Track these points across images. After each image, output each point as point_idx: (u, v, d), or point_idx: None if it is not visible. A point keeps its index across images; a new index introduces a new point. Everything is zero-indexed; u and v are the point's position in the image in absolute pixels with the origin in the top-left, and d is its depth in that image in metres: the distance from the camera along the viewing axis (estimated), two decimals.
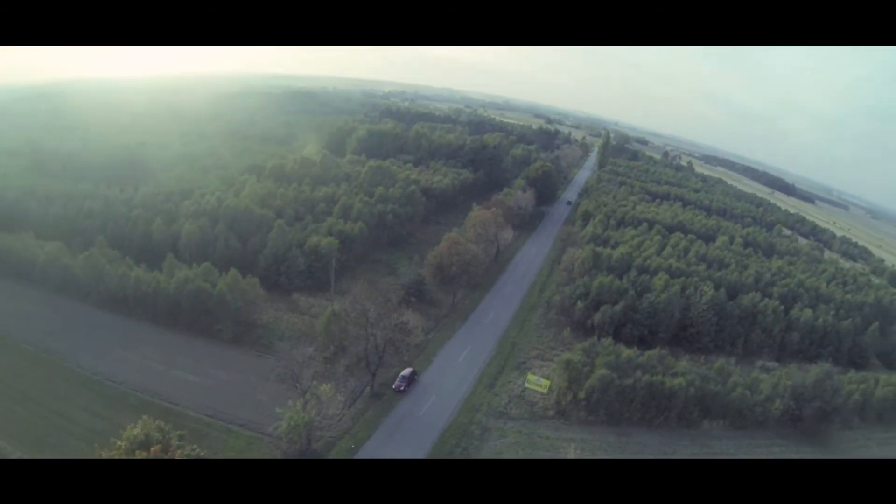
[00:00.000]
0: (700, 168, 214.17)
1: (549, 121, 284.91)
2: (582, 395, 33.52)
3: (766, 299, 50.16)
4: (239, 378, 33.54)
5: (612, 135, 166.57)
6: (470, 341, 41.41)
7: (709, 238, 71.51)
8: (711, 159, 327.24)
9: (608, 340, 39.75)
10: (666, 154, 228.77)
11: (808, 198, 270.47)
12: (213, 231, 45.38)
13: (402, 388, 34.06)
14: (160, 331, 37.61)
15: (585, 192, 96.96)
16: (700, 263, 56.76)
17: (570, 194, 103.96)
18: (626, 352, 37.01)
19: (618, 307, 44.16)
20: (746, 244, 73.10)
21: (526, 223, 74.58)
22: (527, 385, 36.09)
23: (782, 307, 49.66)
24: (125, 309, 38.92)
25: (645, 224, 70.34)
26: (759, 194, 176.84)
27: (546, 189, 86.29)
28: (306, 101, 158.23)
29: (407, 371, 35.31)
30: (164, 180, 58.09)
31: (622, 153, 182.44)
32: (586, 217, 73.87)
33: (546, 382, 35.92)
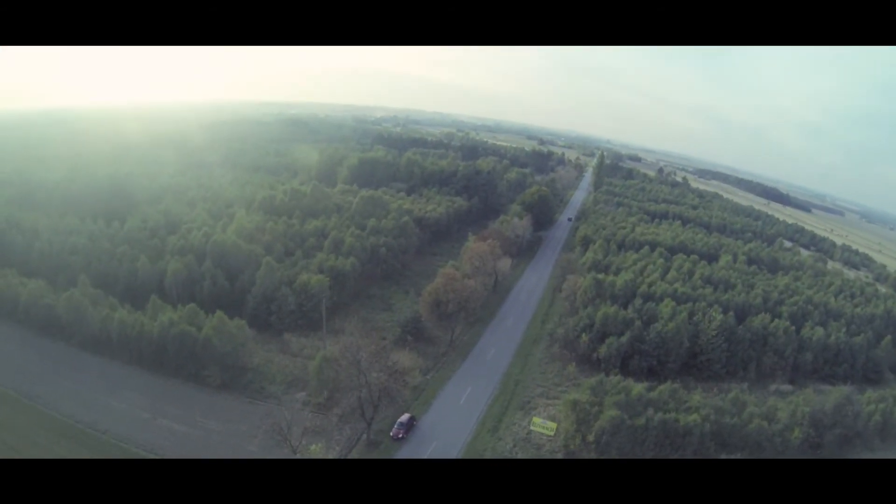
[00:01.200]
0: (695, 183, 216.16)
1: (542, 142, 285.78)
2: (591, 437, 31.79)
3: (777, 320, 48.72)
4: (228, 427, 31.98)
5: (605, 154, 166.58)
6: (471, 381, 39.68)
7: (712, 257, 70.53)
8: (705, 173, 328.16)
9: (616, 378, 38.07)
10: (661, 171, 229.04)
11: (803, 206, 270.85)
12: (199, 269, 43.79)
13: (400, 436, 32.30)
14: (145, 375, 35.98)
15: (583, 215, 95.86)
16: (706, 286, 55.38)
17: (569, 214, 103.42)
18: (637, 388, 35.42)
19: (624, 339, 42.61)
20: (750, 261, 72.02)
21: (524, 250, 73.16)
22: (532, 428, 34.43)
23: (793, 327, 48.18)
24: (109, 351, 37.36)
25: (647, 247, 68.66)
26: (756, 206, 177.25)
27: (543, 214, 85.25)
28: (297, 129, 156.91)
29: (405, 417, 33.61)
30: (151, 213, 56.56)
31: (617, 172, 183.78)
32: (585, 242, 72.28)
33: (552, 425, 34.30)
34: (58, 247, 45.83)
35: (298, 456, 25.61)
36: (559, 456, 31.45)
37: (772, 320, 47.58)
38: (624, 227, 79.51)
